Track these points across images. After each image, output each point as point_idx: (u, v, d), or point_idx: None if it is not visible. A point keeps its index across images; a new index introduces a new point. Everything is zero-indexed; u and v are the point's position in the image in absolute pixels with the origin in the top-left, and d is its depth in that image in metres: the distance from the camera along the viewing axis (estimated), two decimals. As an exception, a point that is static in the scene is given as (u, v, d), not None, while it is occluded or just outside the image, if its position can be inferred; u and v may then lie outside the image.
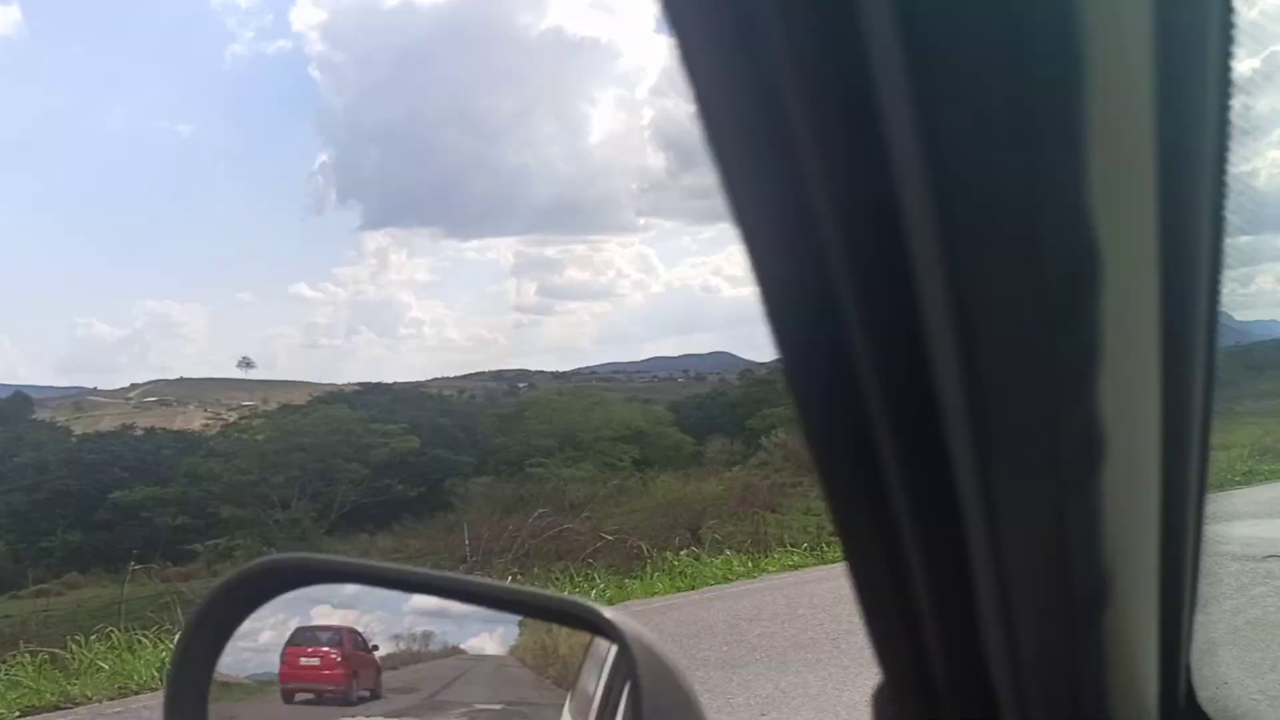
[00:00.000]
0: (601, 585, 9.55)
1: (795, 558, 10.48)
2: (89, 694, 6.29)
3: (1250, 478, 12.27)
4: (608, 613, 0.93)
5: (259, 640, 1.07)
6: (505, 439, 36.98)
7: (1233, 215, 0.52)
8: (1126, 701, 0.61)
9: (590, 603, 0.96)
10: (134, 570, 20.30)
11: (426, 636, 1.17)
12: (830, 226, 0.50)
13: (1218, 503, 0.60)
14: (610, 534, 12.06)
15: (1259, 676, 4.60)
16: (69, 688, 6.43)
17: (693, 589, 9.35)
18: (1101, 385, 0.51)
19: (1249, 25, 0.47)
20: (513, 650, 1.15)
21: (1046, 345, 0.50)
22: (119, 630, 7.72)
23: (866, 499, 0.58)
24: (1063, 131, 0.45)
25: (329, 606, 1.13)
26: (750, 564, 10.27)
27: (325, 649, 1.13)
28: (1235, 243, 0.53)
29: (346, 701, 1.14)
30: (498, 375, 54.46)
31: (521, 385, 51.87)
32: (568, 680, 1.12)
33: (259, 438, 37.62)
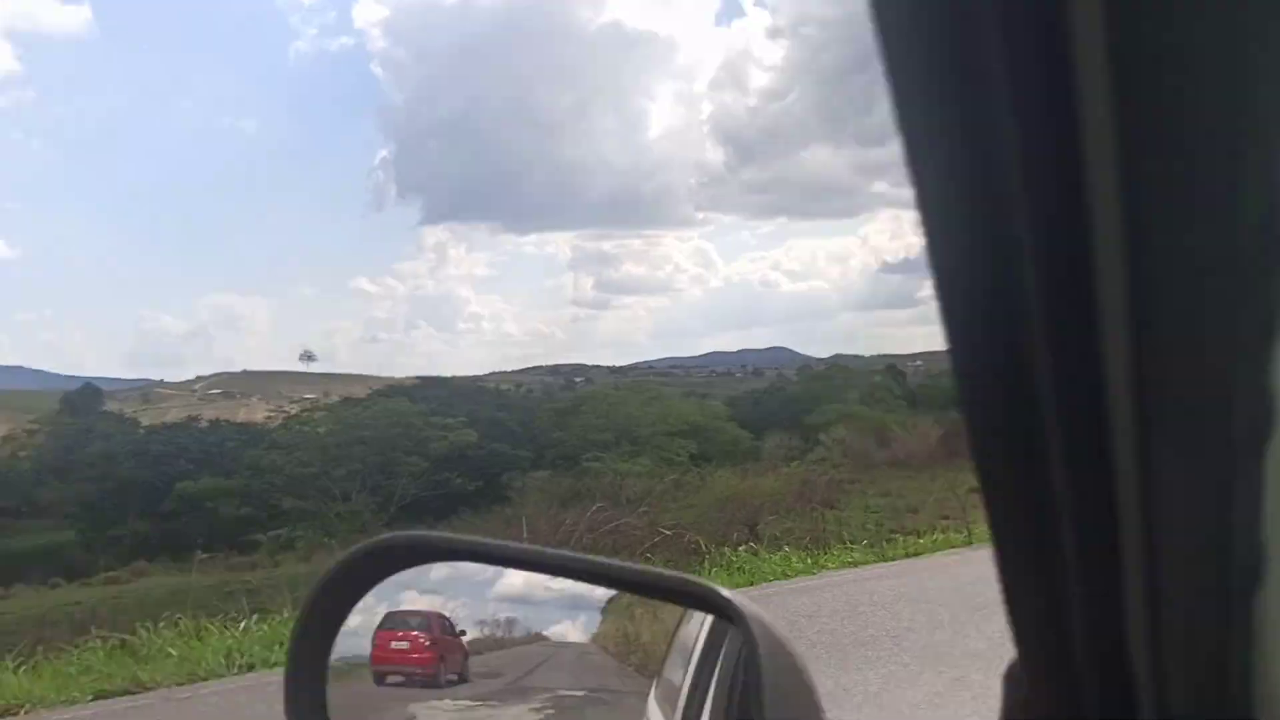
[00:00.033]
0: (659, 580, 9.51)
1: (855, 554, 10.39)
2: (158, 679, 6.38)
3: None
4: (728, 593, 0.92)
5: (349, 624, 1.08)
6: (562, 433, 37.08)
7: None
8: (1273, 681, 0.59)
9: (711, 583, 0.95)
10: (199, 559, 20.70)
11: (510, 623, 1.18)
12: (1015, 187, 0.48)
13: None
14: (668, 529, 12.04)
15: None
16: (139, 673, 6.53)
17: (751, 585, 9.31)
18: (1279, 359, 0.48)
19: None
20: (594, 638, 1.16)
21: (1231, 316, 0.47)
22: (186, 617, 7.82)
23: (1022, 471, 0.56)
24: (1269, 73, 0.43)
25: (415, 592, 1.14)
26: (809, 560, 10.20)
27: (415, 633, 1.15)
28: None
29: (435, 684, 1.16)
30: (555, 370, 54.59)
31: (578, 380, 51.98)
32: (650, 668, 1.14)
33: (320, 430, 38.08)
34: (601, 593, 1.17)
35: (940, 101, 0.49)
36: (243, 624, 7.68)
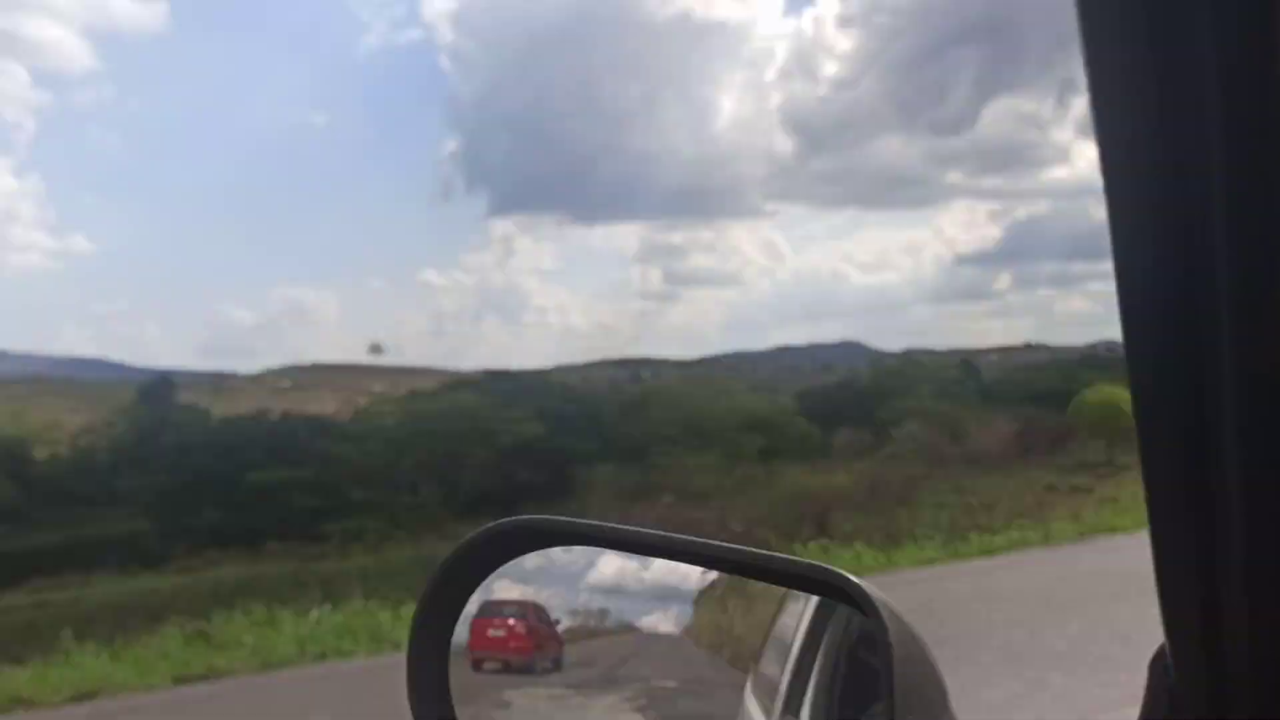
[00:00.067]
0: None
1: (929, 552, 10.21)
2: (234, 667, 6.45)
3: None
4: (862, 582, 0.87)
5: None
6: (629, 427, 37.06)
7: None
8: None
9: (840, 570, 0.90)
10: (271, 549, 21.03)
11: (602, 613, 1.20)
12: (1214, 191, 0.49)
13: None
14: (737, 524, 11.96)
15: None
16: (215, 660, 6.61)
17: (822, 581, 9.16)
18: None
19: None
20: (687, 630, 1.16)
21: None
22: (259, 606, 7.90)
23: (1194, 468, 0.55)
24: None
25: (510, 581, 1.13)
26: (882, 557, 10.04)
27: (510, 621, 1.17)
28: None
29: (530, 672, 1.18)
30: (621, 363, 54.41)
31: (645, 373, 51.83)
32: (742, 661, 1.14)
33: (388, 423, 38.48)
34: (694, 584, 1.16)
35: (1142, 103, 0.49)
36: (314, 613, 7.73)
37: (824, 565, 0.93)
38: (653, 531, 1.08)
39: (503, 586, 1.14)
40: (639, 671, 1.17)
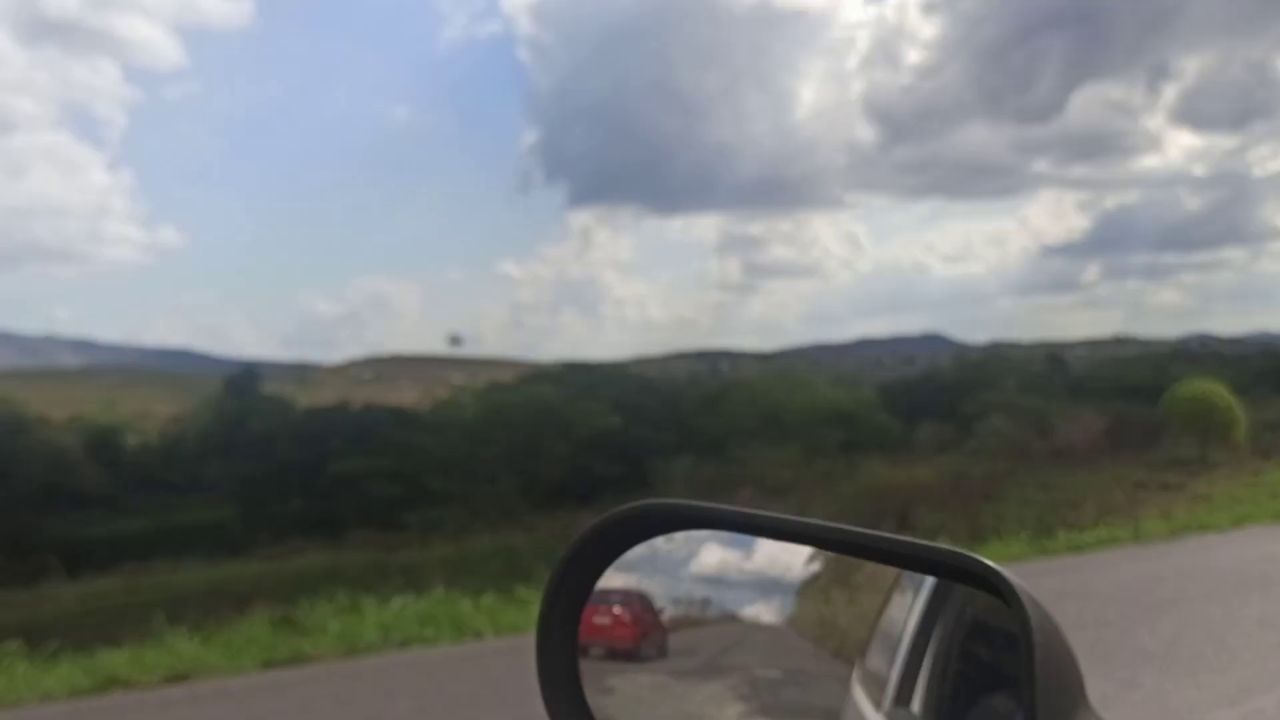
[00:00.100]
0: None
1: (1014, 548, 10.03)
2: (320, 652, 6.55)
3: None
4: (997, 567, 0.84)
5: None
6: (707, 419, 36.99)
7: None
8: None
9: (980, 557, 0.87)
10: (352, 538, 21.39)
11: (705, 602, 1.18)
12: None
13: None
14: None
15: None
16: (301, 645, 6.72)
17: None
18: None
19: None
20: (790, 620, 1.16)
21: None
22: (343, 593, 8.01)
23: None
24: None
25: (613, 569, 1.13)
26: (965, 553, 9.88)
27: (616, 609, 1.16)
28: None
29: (635, 659, 1.17)
30: (700, 355, 54.24)
31: (724, 365, 51.66)
32: (847, 653, 1.12)
33: (467, 414, 38.87)
34: (797, 575, 1.15)
35: None
36: (396, 601, 7.82)
37: (966, 553, 0.91)
38: (790, 518, 1.07)
39: (607, 574, 1.14)
40: (742, 661, 1.16)
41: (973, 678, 1.05)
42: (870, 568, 1.14)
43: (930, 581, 1.09)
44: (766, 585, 1.16)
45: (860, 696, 1.10)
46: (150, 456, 41.28)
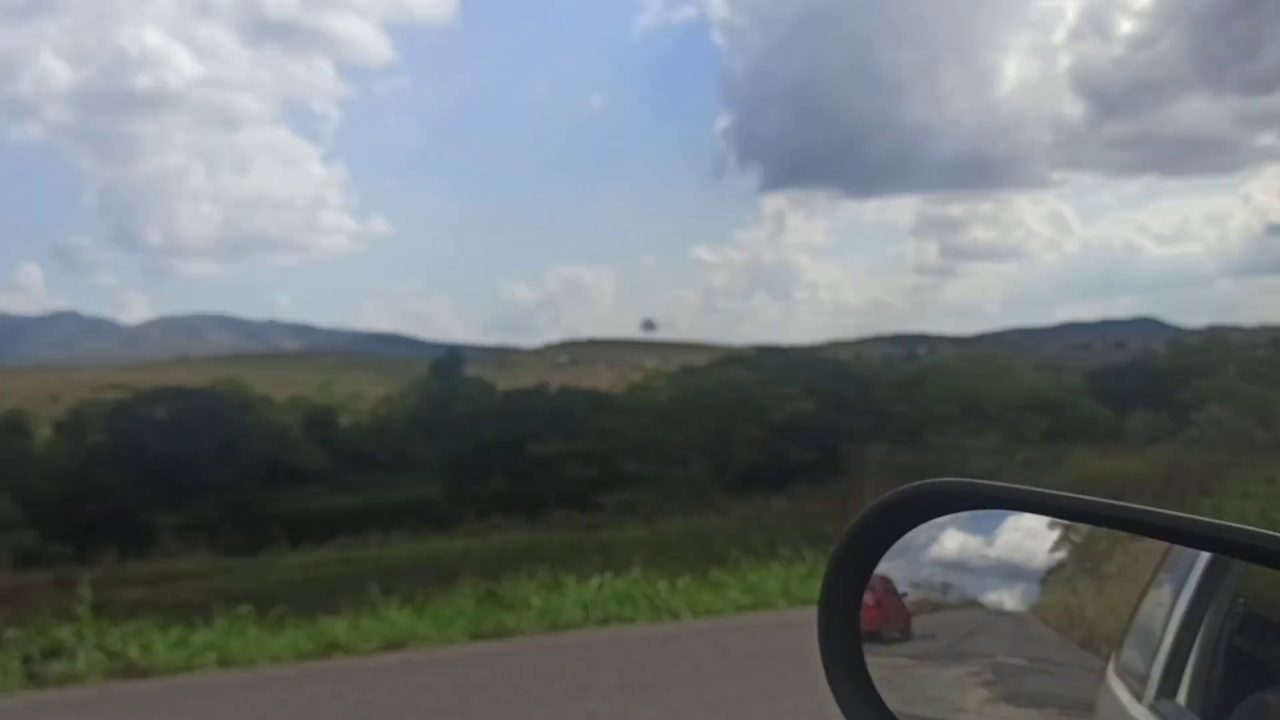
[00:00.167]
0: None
1: (1238, 545, 9.44)
2: (523, 626, 6.75)
3: None
4: None
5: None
6: (903, 405, 36.22)
7: None
8: None
9: None
10: (551, 517, 21.95)
11: (945, 587, 1.16)
12: None
13: None
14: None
15: None
16: (504, 619, 6.93)
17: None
18: None
19: None
20: (1033, 608, 1.13)
21: None
22: (544, 570, 8.20)
23: None
24: None
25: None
26: (1184, 548, 9.36)
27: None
28: None
29: (877, 640, 1.15)
30: (896, 339, 53.02)
31: (921, 350, 50.39)
32: (1095, 644, 1.09)
33: (660, 398, 39.21)
34: (1041, 563, 1.12)
35: None
36: (595, 580, 7.96)
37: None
38: (1092, 499, 1.04)
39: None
40: (984, 647, 1.14)
41: (1244, 671, 1.00)
42: (1122, 557, 1.11)
43: (1198, 571, 1.05)
44: (1009, 572, 1.13)
45: (1118, 688, 1.07)
46: (362, 436, 43.36)
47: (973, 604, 1.15)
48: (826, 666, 1.08)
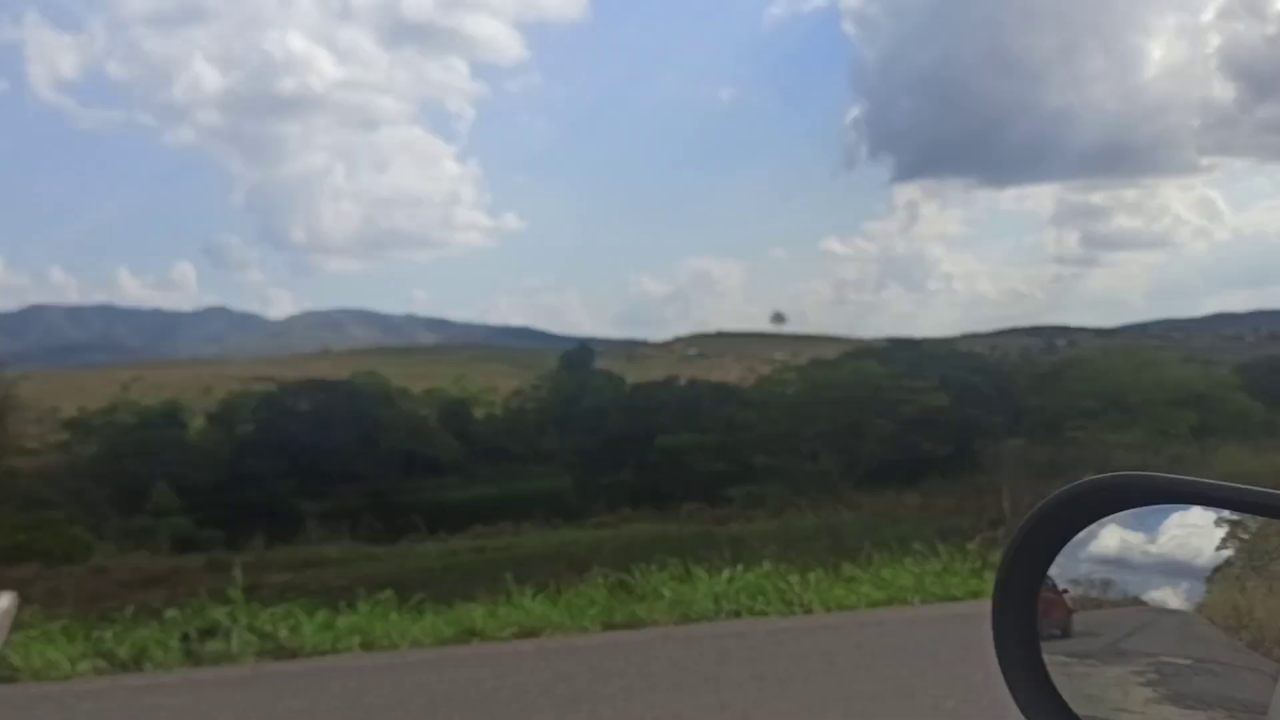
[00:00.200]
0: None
1: None
2: (655, 617, 6.79)
3: None
4: None
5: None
6: (1042, 399, 35.21)
7: None
8: None
9: None
10: (680, 509, 22.01)
11: (1105, 584, 1.13)
12: None
13: None
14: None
15: None
16: (636, 610, 6.98)
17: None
18: None
19: None
20: (1199, 607, 1.09)
21: None
22: (674, 562, 8.23)
23: None
24: None
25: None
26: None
27: None
28: None
29: (1039, 635, 1.13)
30: (1034, 331, 51.46)
31: (1060, 342, 48.81)
32: (1265, 645, 1.04)
33: (789, 391, 38.96)
34: (1206, 561, 1.08)
35: None
36: (725, 572, 7.96)
37: None
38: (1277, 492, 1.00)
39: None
40: (1147, 646, 1.10)
41: None
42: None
43: None
44: (1173, 570, 1.10)
45: None
46: (495, 428, 44.20)
47: (1134, 601, 1.12)
48: (1002, 664, 1.06)
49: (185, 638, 6.08)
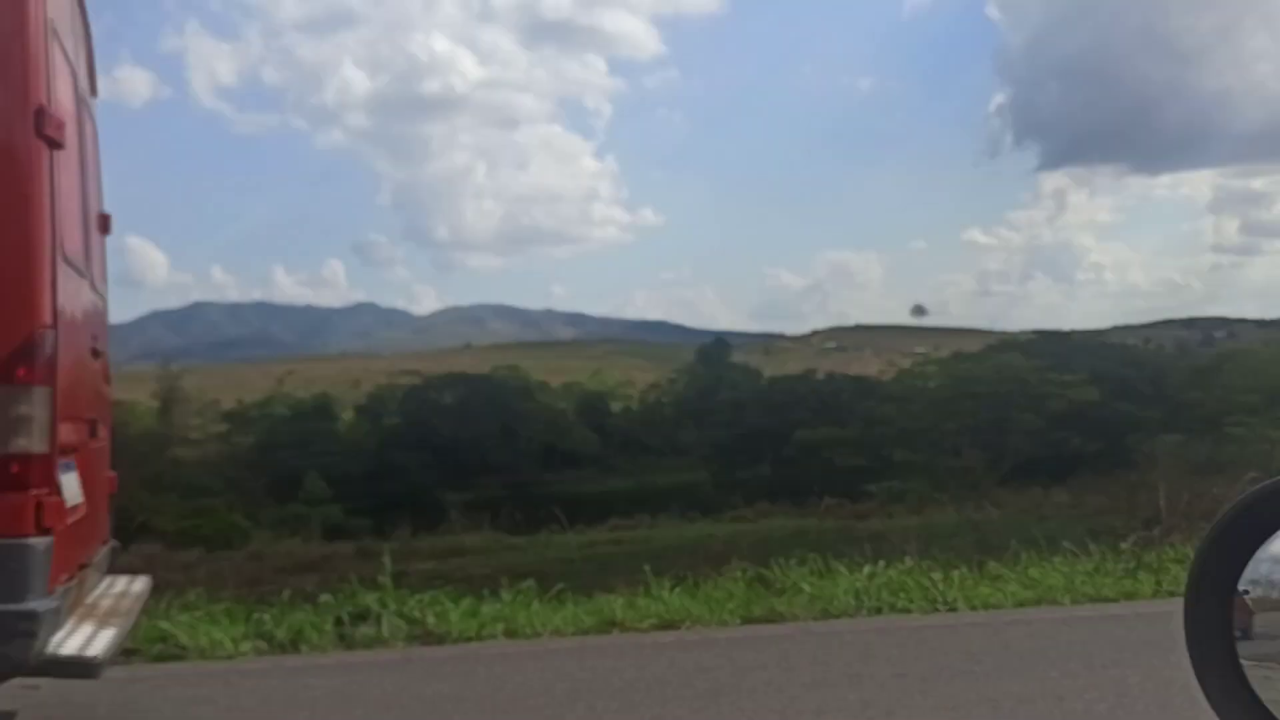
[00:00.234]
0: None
1: None
2: (794, 612, 6.75)
3: None
4: None
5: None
6: (1199, 394, 33.74)
7: None
8: None
9: None
10: (817, 504, 21.84)
11: None
12: None
13: None
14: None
15: None
16: (775, 604, 6.95)
17: None
18: None
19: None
20: None
21: None
22: (813, 557, 8.16)
23: None
24: None
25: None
26: None
27: None
28: None
29: (1234, 635, 1.09)
30: (1190, 323, 49.24)
31: (1218, 334, 46.63)
32: None
33: (931, 384, 38.24)
34: None
35: None
36: (866, 568, 7.86)
37: None
38: None
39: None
40: None
41: None
42: None
43: None
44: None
45: None
46: (632, 421, 44.59)
47: None
48: (1195, 663, 1.05)
49: (338, 622, 6.31)
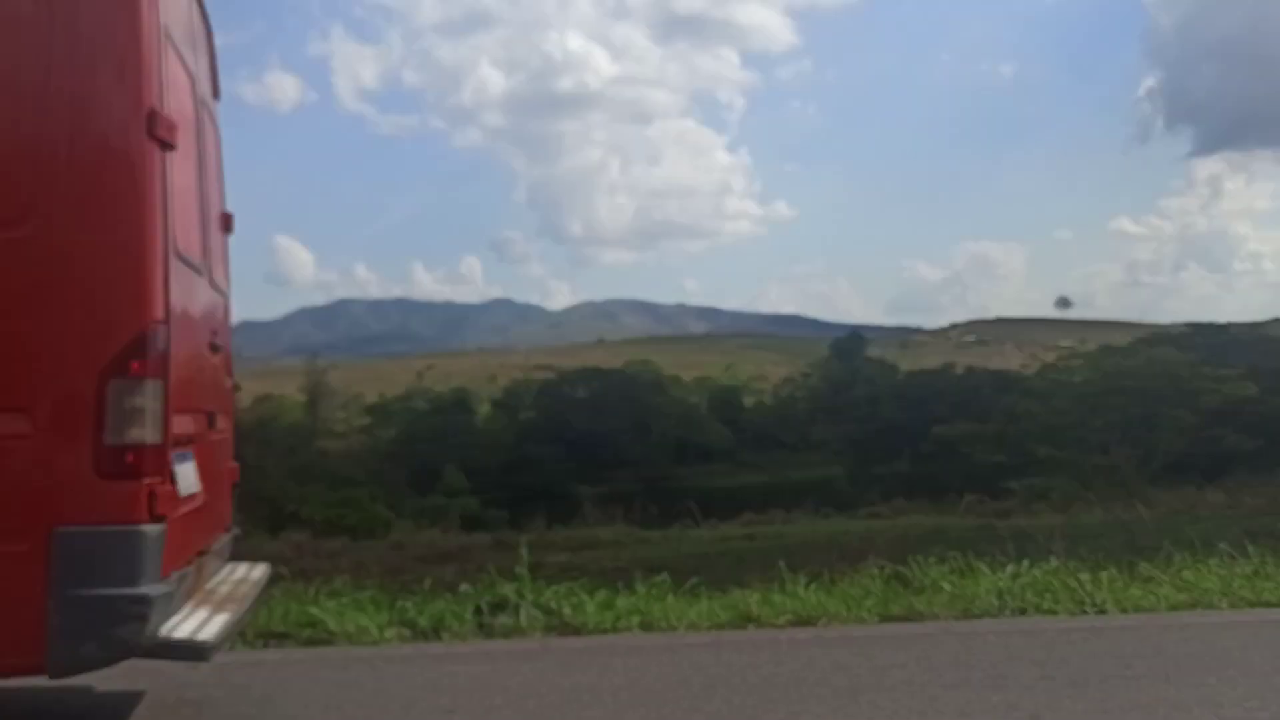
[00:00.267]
0: None
1: None
2: (934, 611, 6.60)
3: None
4: None
5: None
6: (1371, 389, 31.89)
7: None
8: None
9: None
10: (956, 501, 21.37)
11: None
12: None
13: None
14: None
15: None
16: (914, 602, 6.81)
17: None
18: None
19: None
20: None
21: None
22: (953, 555, 7.96)
23: None
24: None
25: None
26: None
27: None
28: None
29: None
30: (1360, 315, 46.62)
31: (1394, 327, 44.02)
32: None
33: (1076, 379, 37.09)
34: None
35: None
36: (1009, 568, 7.64)
37: None
38: None
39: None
40: None
41: None
42: None
43: None
44: None
45: None
46: (765, 416, 44.36)
47: None
48: None
49: (477, 611, 6.43)
